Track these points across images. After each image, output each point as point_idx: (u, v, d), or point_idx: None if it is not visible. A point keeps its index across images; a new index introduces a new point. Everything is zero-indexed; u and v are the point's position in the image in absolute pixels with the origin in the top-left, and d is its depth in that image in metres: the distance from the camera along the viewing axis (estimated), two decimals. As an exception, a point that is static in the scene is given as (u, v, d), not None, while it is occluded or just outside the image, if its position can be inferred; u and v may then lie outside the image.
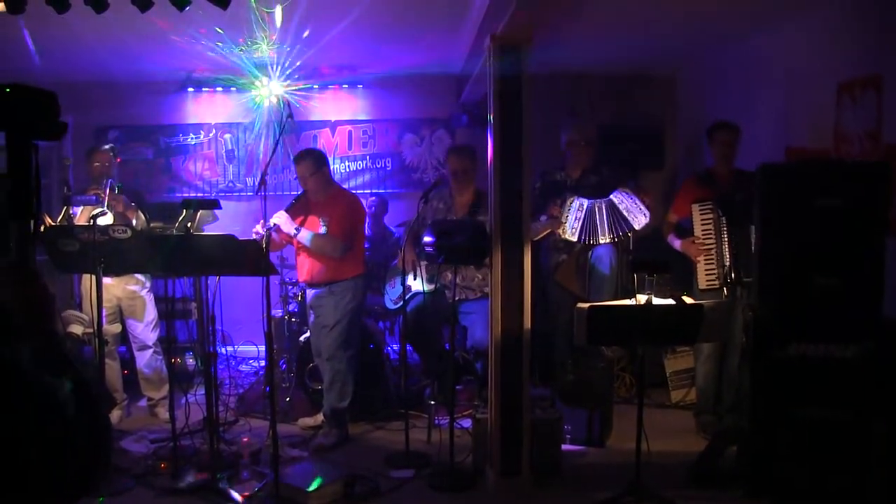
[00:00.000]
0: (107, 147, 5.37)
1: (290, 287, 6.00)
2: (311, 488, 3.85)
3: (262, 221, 4.47)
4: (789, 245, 3.72)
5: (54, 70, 6.24)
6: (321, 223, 4.79)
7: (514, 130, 3.83)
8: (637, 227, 5.05)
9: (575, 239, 5.10)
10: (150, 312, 5.28)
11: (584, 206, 5.08)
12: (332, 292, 4.80)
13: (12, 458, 0.97)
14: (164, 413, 5.14)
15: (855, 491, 3.49)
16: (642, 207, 5.02)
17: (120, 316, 5.26)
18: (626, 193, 5.07)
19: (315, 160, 4.83)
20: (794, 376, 3.64)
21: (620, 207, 5.06)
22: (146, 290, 5.27)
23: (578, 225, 5.09)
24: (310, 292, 4.99)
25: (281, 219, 4.67)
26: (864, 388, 3.57)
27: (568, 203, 5.08)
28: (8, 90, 1.17)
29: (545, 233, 5.10)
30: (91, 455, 1.11)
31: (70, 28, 4.56)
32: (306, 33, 5.19)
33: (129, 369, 5.50)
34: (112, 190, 4.86)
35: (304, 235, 4.71)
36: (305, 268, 4.87)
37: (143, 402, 5.46)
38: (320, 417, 5.02)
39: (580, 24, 5.08)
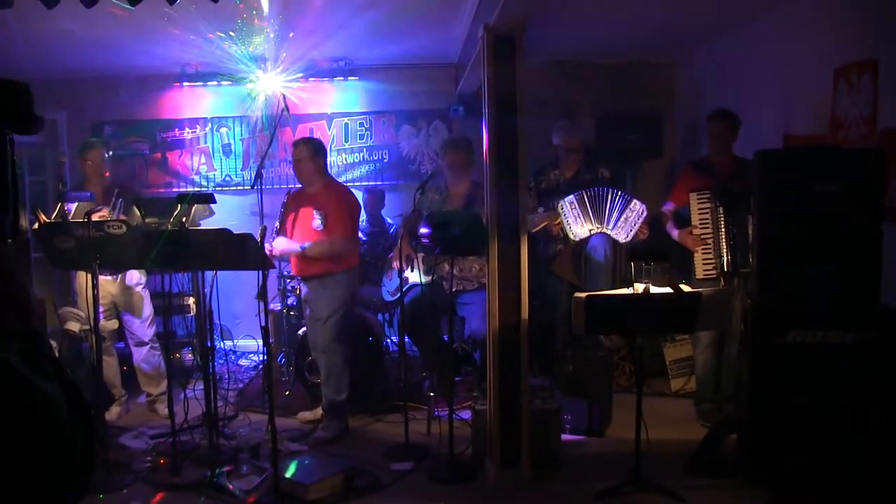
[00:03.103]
0: (96, 142, 5.34)
1: (287, 280, 5.98)
2: (312, 481, 3.85)
3: (268, 250, 4.58)
4: (787, 232, 3.69)
5: (47, 66, 6.22)
6: (316, 215, 4.78)
7: (509, 121, 3.80)
8: (613, 235, 4.91)
9: (585, 232, 4.97)
10: (147, 308, 5.27)
11: (574, 202, 4.96)
12: (324, 285, 4.79)
13: (12, 467, 0.96)
14: (163, 409, 5.13)
15: (853, 478, 3.48)
16: (633, 230, 4.84)
17: (116, 312, 5.25)
18: (643, 211, 4.85)
19: (313, 147, 4.85)
20: (792, 364, 3.62)
21: (625, 214, 4.88)
22: (142, 285, 5.26)
23: (581, 219, 4.95)
24: (304, 286, 5.00)
25: (282, 245, 4.73)
26: (861, 374, 3.55)
27: (559, 208, 4.97)
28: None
29: (543, 224, 5.05)
30: (84, 459, 1.10)
31: (61, 24, 4.54)
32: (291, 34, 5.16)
33: (128, 365, 5.50)
34: (118, 199, 4.89)
35: (313, 250, 4.72)
36: (298, 261, 4.87)
37: (142, 399, 5.46)
38: (320, 411, 5.02)
39: (576, 12, 5.05)
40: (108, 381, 5.19)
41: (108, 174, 5.22)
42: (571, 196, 4.93)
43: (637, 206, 4.87)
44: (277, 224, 4.87)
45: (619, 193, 4.91)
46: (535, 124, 4.34)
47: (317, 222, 4.78)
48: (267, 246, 4.67)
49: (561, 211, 4.93)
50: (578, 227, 4.93)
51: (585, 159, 5.37)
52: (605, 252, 5.18)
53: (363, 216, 6.16)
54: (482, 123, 3.95)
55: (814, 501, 3.60)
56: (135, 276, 5.21)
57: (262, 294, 4.84)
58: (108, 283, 5.07)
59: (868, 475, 3.38)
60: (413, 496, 3.96)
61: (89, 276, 4.21)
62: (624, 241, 4.92)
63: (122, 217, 4.86)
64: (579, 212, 4.91)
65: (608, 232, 4.92)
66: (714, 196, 4.75)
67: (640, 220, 4.86)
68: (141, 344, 5.26)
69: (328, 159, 5.11)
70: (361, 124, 7.19)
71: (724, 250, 4.67)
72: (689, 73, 6.92)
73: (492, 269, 3.91)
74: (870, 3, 4.22)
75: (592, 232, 4.96)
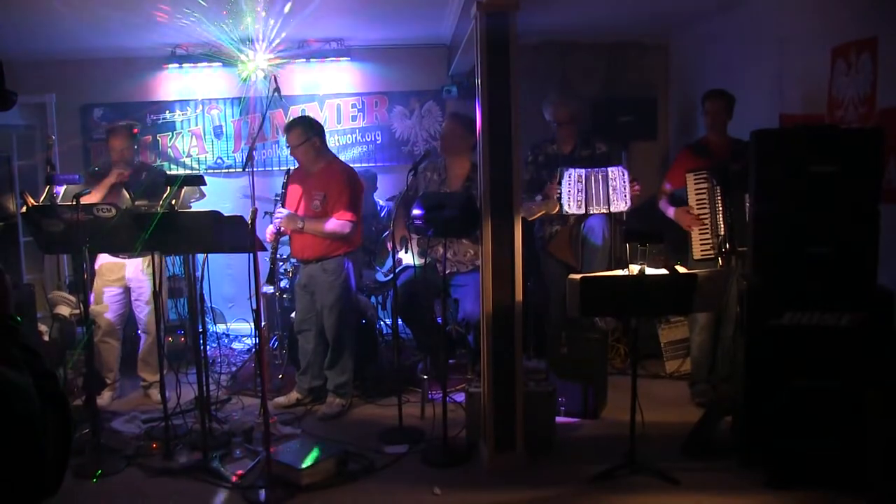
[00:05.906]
0: (123, 126, 5.18)
1: (280, 263, 5.92)
2: (305, 465, 3.82)
3: (270, 229, 4.62)
4: (783, 212, 3.66)
5: (35, 48, 6.13)
6: (315, 196, 4.72)
7: (502, 100, 3.75)
8: (614, 209, 4.94)
9: (581, 211, 4.97)
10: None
11: (583, 177, 4.96)
12: (325, 269, 4.75)
13: None
14: (157, 395, 5.08)
15: (848, 460, 3.47)
16: (627, 194, 4.90)
17: (126, 296, 5.20)
18: (623, 174, 4.95)
19: (305, 128, 4.75)
20: (788, 346, 3.61)
21: (611, 184, 4.96)
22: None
23: (582, 196, 4.96)
24: (302, 268, 4.96)
25: (286, 218, 4.67)
26: (857, 357, 3.54)
27: (566, 176, 4.97)
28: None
29: (540, 213, 5.02)
30: (59, 451, 1.05)
31: (48, 6, 4.45)
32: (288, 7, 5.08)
33: (123, 349, 5.44)
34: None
35: (312, 226, 4.67)
36: (297, 243, 4.82)
37: (138, 384, 5.41)
38: (294, 396, 5.05)
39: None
40: (106, 366, 5.14)
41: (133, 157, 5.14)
42: (584, 171, 4.94)
43: (616, 174, 4.94)
44: (278, 199, 4.81)
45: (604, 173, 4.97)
46: (529, 104, 4.30)
47: (315, 203, 4.72)
48: (271, 227, 4.68)
49: (567, 180, 4.90)
50: (574, 203, 4.95)
51: (581, 134, 5.35)
52: (602, 233, 5.16)
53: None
54: (475, 104, 3.89)
55: (809, 484, 3.59)
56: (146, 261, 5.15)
57: (271, 278, 4.83)
58: (122, 267, 5.03)
59: (864, 457, 3.37)
60: (407, 480, 3.94)
61: (103, 258, 4.11)
62: (624, 209, 4.96)
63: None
64: (583, 186, 4.92)
65: (611, 209, 4.95)
66: (711, 176, 4.71)
67: (626, 182, 4.90)
68: (147, 332, 5.21)
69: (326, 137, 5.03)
70: (354, 105, 7.12)
71: (721, 229, 4.64)
72: (683, 53, 6.85)
73: (485, 251, 3.87)
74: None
75: (586, 213, 4.99)
